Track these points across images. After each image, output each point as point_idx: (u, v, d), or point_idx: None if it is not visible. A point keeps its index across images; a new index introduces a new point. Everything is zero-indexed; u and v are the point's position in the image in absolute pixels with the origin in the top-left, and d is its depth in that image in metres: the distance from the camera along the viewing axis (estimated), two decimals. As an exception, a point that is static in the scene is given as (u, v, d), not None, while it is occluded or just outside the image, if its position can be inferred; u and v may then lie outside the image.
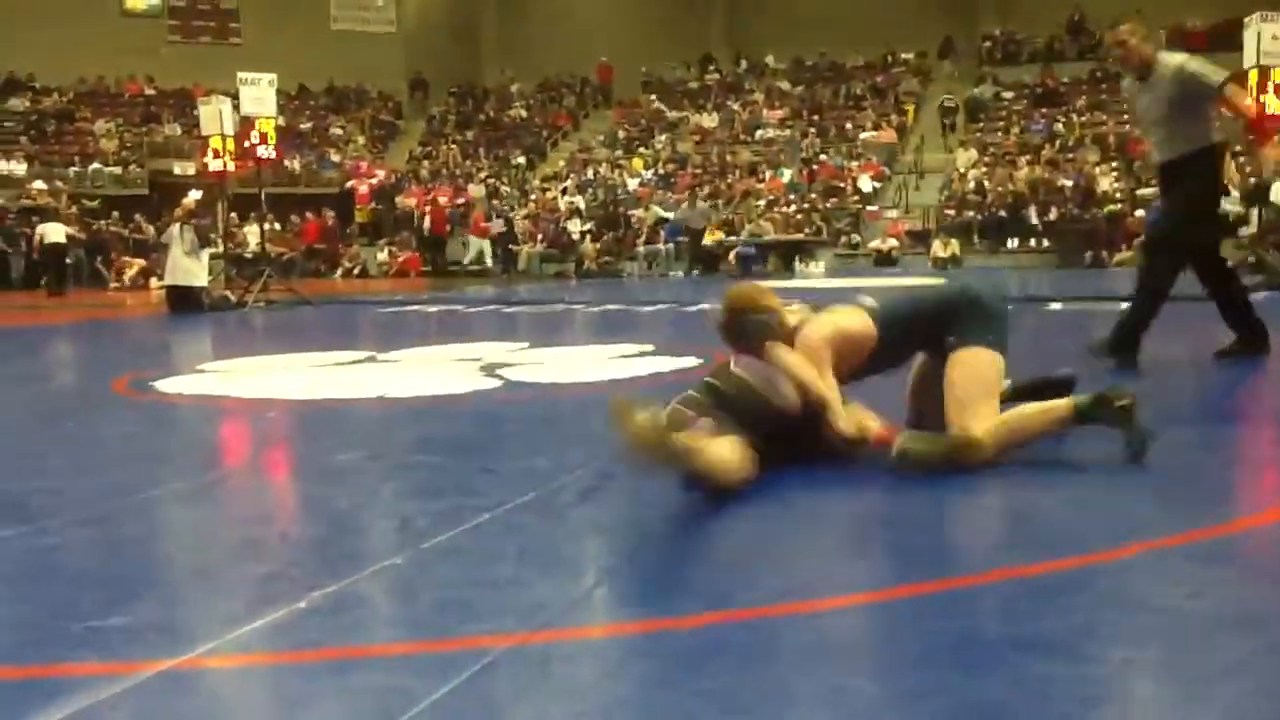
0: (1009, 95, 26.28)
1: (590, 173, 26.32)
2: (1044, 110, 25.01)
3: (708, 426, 2.97)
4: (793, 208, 22.06)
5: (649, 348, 6.87)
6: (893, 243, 20.96)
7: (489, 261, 22.02)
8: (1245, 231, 15.75)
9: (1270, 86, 10.46)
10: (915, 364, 3.49)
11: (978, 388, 3.17)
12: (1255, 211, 13.23)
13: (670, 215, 21.72)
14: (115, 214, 22.94)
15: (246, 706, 1.76)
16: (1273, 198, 14.38)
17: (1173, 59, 5.16)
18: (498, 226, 22.52)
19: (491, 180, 26.33)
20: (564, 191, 25.10)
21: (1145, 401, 3.17)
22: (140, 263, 20.02)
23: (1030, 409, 3.24)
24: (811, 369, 3.17)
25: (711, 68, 30.11)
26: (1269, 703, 1.61)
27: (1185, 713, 1.61)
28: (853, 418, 3.17)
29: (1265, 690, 1.66)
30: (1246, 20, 10.69)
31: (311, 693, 1.74)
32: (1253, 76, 10.51)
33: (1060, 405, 3.21)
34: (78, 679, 1.76)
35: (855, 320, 3.31)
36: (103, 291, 18.82)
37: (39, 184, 22.35)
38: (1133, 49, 5.17)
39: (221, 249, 14.95)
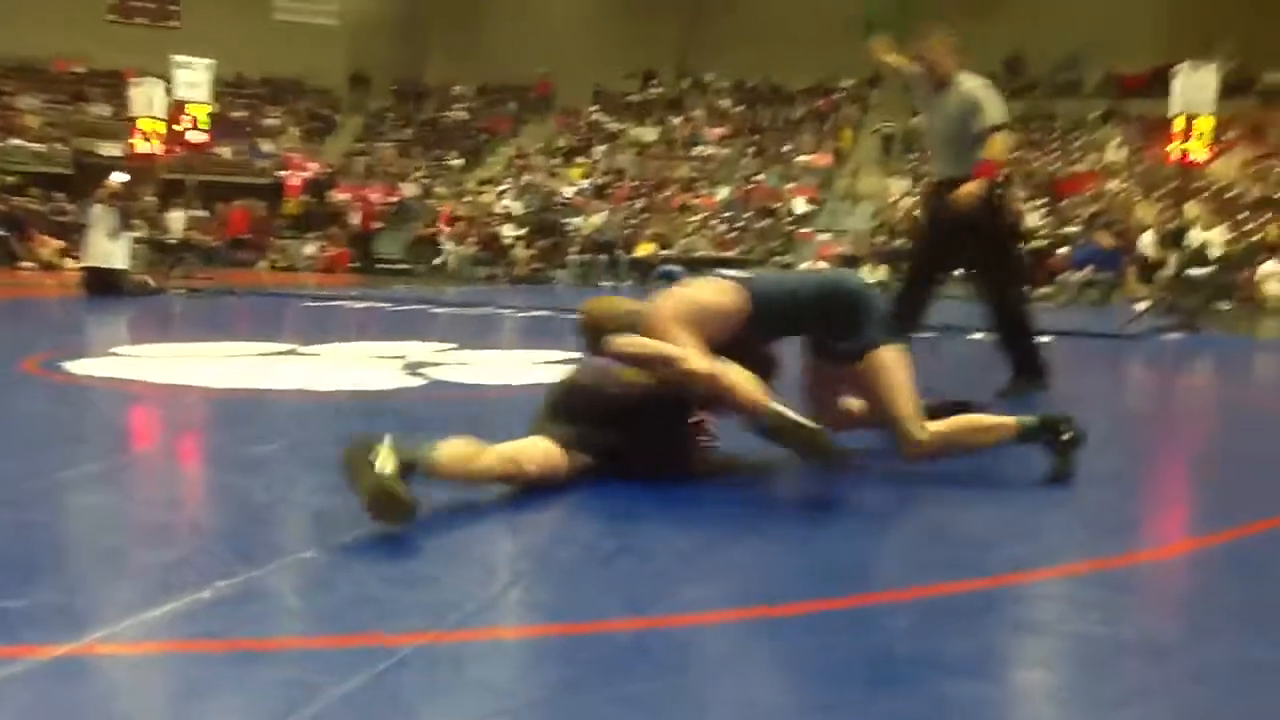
0: (943, 128, 26.73)
1: (526, 179, 26.25)
2: (977, 145, 25.47)
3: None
4: (724, 226, 22.20)
5: (575, 354, 6.84)
6: (823, 265, 21.18)
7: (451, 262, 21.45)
8: (1162, 274, 16.18)
9: (1194, 133, 10.75)
10: (804, 368, 3.46)
11: (907, 391, 3.19)
12: (1173, 256, 13.60)
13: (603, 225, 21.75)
14: (35, 191, 22.33)
15: (144, 694, 1.70)
16: (1186, 242, 14.80)
17: (969, 81, 5.20)
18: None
19: (426, 180, 26.13)
20: (499, 196, 24.99)
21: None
22: (58, 243, 19.50)
23: (975, 422, 3.29)
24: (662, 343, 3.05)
25: (654, 82, 30.22)
26: (1169, 728, 1.63)
27: (1088, 735, 1.63)
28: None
29: (1168, 717, 1.69)
30: (1174, 69, 10.98)
31: (211, 683, 1.69)
32: (1179, 123, 10.80)
33: (1005, 423, 3.27)
34: (-32, 661, 1.69)
35: (715, 292, 3.20)
36: (16, 271, 18.30)
37: (-44, 157, 21.74)
38: (935, 62, 5.21)
39: (145, 233, 14.64)
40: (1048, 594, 2.31)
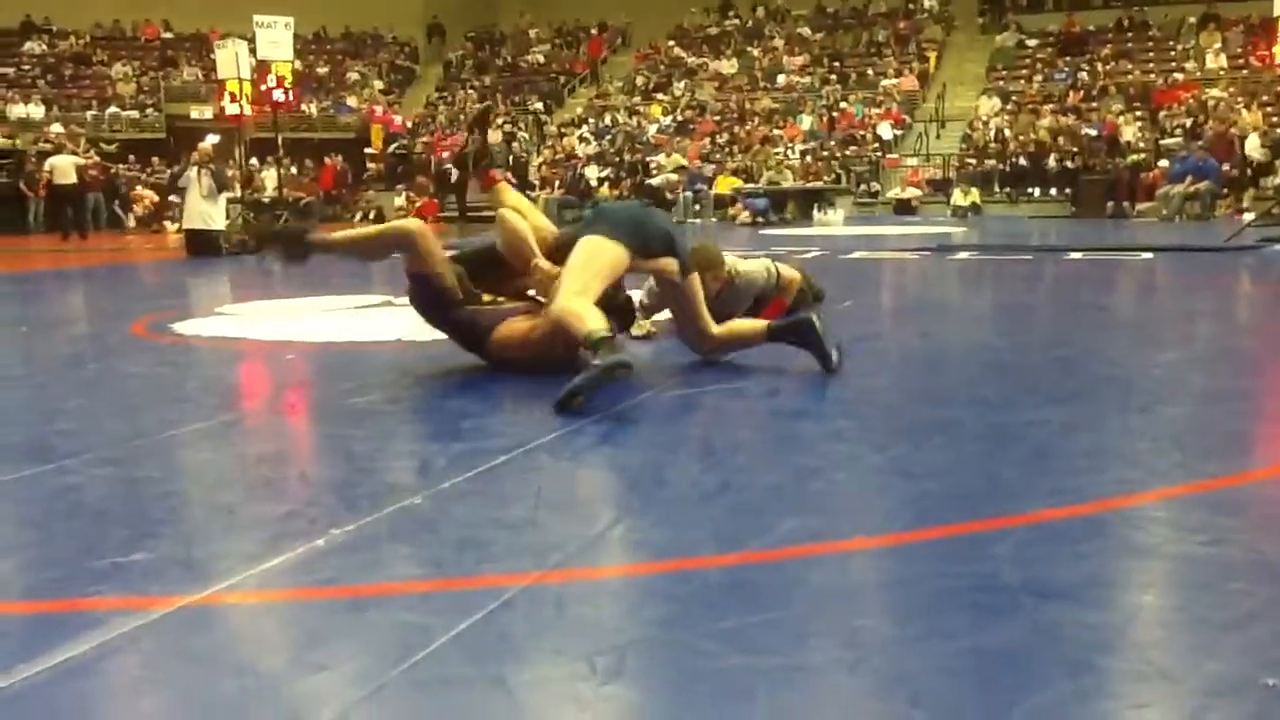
0: (1032, 43, 25.92)
1: (608, 119, 26.12)
2: (1067, 58, 24.67)
3: None
4: (809, 156, 21.85)
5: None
6: (912, 191, 20.80)
7: None
8: (1269, 181, 15.58)
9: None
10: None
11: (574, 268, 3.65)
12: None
13: (686, 163, 21.53)
14: (132, 158, 22.91)
15: (266, 641, 1.78)
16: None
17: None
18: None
19: (508, 126, 26.17)
20: (581, 138, 24.92)
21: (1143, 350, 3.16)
22: (154, 196, 20.00)
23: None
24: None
25: (731, 13, 29.74)
26: (1283, 649, 1.61)
27: (1197, 659, 1.61)
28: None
29: (1278, 640, 1.66)
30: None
31: (330, 628, 1.76)
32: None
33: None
34: (101, 614, 1.78)
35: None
36: (120, 235, 18.82)
37: (57, 128, 22.34)
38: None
39: (239, 193, 14.94)
40: (1153, 517, 2.27)
